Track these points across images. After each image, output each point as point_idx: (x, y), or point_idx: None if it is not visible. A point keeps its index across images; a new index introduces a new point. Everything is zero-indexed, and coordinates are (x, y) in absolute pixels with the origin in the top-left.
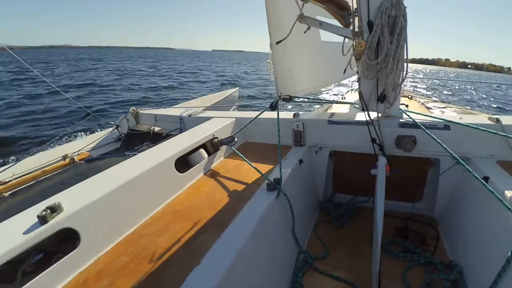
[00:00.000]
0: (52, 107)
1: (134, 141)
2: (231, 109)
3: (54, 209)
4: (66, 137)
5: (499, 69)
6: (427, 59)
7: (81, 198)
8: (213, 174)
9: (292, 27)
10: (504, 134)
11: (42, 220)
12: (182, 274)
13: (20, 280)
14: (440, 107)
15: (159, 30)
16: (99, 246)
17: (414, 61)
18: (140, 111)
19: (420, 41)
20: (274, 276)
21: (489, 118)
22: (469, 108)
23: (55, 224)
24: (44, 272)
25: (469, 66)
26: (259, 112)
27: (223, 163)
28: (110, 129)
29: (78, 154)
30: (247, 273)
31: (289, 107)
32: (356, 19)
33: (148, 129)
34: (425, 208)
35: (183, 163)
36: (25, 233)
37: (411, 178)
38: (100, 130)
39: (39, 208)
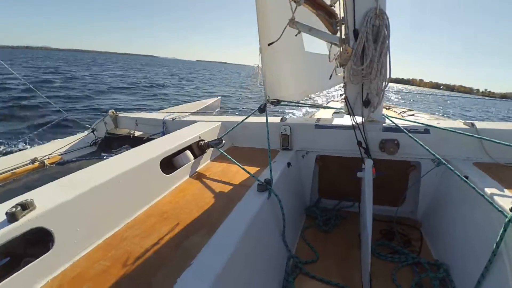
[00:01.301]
0: (22, 107)
1: (112, 145)
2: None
3: (25, 206)
4: (35, 139)
5: (469, 90)
6: (402, 78)
7: (56, 196)
8: (199, 177)
9: (284, 30)
10: (479, 136)
11: (11, 217)
12: (172, 276)
13: None
14: (416, 116)
15: (143, 38)
16: (75, 249)
17: (390, 80)
18: (119, 114)
19: (397, 62)
20: (265, 280)
21: (465, 123)
22: (442, 116)
23: (26, 222)
24: (10, 277)
25: (441, 87)
26: (246, 116)
27: (209, 166)
28: (85, 132)
29: (48, 158)
30: (240, 275)
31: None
32: (343, 27)
33: (128, 133)
34: (408, 211)
35: (168, 164)
36: None
37: (394, 182)
38: (74, 134)
39: (7, 205)
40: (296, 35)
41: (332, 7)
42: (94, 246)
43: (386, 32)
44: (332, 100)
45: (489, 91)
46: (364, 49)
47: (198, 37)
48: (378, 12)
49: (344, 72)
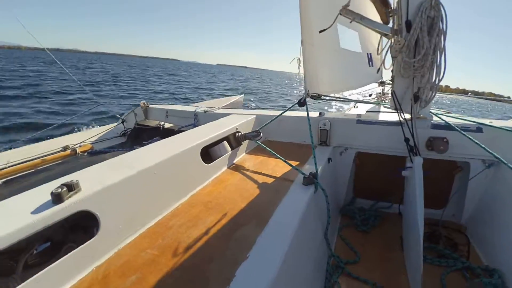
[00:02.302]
0: (57, 95)
1: (142, 136)
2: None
3: (71, 187)
4: (65, 123)
5: (498, 98)
6: None
7: (102, 179)
8: (237, 168)
9: (336, 18)
10: None
11: (57, 198)
12: (228, 268)
13: (21, 273)
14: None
15: (165, 42)
16: (120, 236)
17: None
18: (150, 106)
19: None
20: (307, 278)
21: None
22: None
23: (71, 204)
24: (55, 263)
25: (469, 93)
26: (282, 110)
27: (246, 158)
28: (115, 123)
29: (80, 146)
30: (292, 270)
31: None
32: (396, 17)
33: (158, 125)
34: (450, 214)
35: (206, 154)
36: (34, 212)
37: (438, 183)
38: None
39: (51, 186)
40: (350, 22)
41: None
42: (139, 233)
43: (441, 24)
44: (362, 100)
45: None
46: (417, 41)
47: (216, 42)
48: (433, 3)
49: (393, 65)
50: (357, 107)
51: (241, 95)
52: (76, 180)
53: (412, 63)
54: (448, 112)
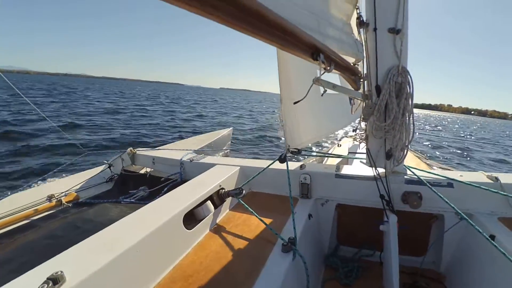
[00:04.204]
0: (39, 140)
1: (128, 183)
2: (225, 147)
3: (56, 281)
4: (52, 174)
5: (503, 115)
6: (429, 104)
7: (83, 265)
8: (220, 230)
9: (309, 89)
10: (505, 193)
11: None
12: None
13: None
14: (434, 164)
15: (170, 67)
16: None
17: (416, 106)
18: (137, 152)
19: (422, 87)
20: None
21: (488, 177)
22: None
23: None
24: None
25: (472, 112)
26: (266, 163)
27: (229, 216)
28: (102, 167)
29: (65, 195)
30: None
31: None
32: (366, 83)
33: (144, 172)
34: (430, 262)
35: (189, 217)
36: None
37: (415, 232)
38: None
39: (36, 275)
40: (322, 95)
41: (356, 65)
42: None
43: (408, 89)
44: (345, 136)
45: None
46: (387, 105)
47: (221, 67)
48: (400, 70)
49: (366, 126)
50: (340, 145)
51: (230, 128)
52: (61, 272)
53: (383, 126)
54: (426, 158)
